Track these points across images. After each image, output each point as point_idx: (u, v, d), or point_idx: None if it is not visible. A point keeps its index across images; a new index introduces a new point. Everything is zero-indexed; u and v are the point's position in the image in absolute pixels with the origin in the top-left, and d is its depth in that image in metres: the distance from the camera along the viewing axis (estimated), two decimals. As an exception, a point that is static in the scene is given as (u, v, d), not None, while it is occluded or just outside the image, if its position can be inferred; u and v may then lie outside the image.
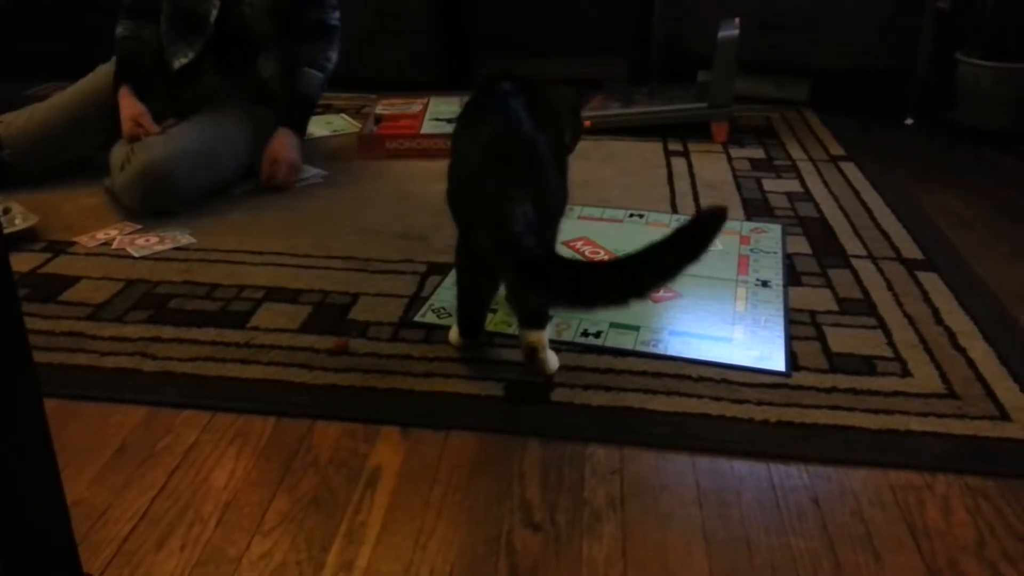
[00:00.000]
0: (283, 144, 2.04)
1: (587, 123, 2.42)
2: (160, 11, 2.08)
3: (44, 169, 2.00)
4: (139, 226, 1.81)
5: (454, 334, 1.38)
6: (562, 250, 1.59)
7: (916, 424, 1.19)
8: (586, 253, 1.70)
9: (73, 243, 1.74)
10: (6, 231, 1.65)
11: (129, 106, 1.96)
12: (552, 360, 1.31)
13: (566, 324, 1.43)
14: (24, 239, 1.72)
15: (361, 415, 1.22)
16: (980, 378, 1.30)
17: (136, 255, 1.69)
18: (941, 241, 1.79)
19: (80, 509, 1.03)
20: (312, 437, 1.18)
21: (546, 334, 1.30)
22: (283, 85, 2.12)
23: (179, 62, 2.05)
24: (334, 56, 2.13)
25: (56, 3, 2.88)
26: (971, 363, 1.33)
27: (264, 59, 2.09)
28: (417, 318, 1.46)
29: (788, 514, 1.04)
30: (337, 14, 2.13)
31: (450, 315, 1.45)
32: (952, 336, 1.41)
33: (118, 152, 1.93)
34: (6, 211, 1.75)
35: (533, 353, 1.27)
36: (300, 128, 2.12)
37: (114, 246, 1.73)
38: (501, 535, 1.00)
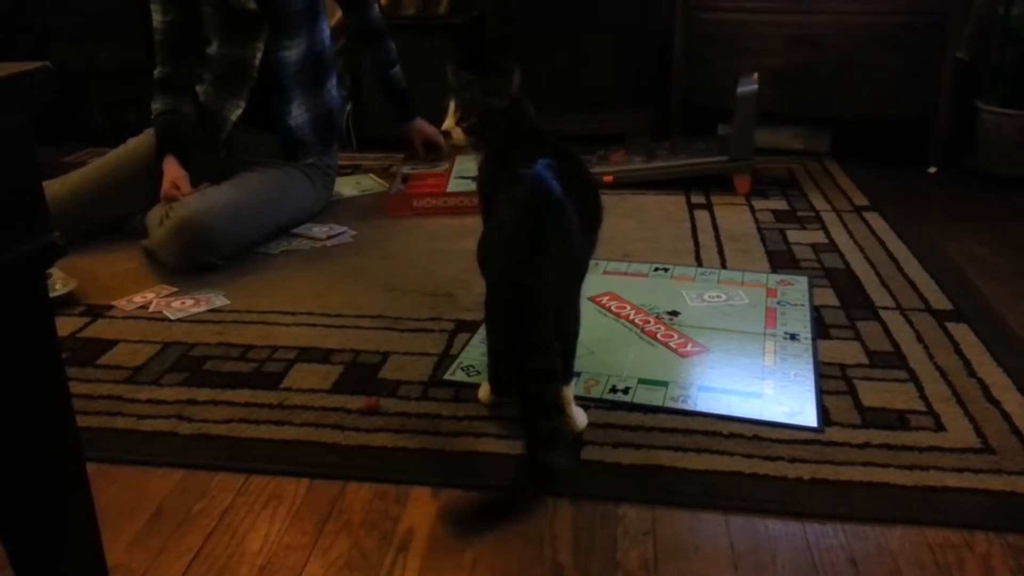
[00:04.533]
0: (425, 125, 2.46)
1: (608, 178, 2.47)
2: (191, 83, 2.18)
3: (80, 232, 2.05)
4: (175, 289, 1.86)
5: (484, 391, 1.39)
6: (587, 305, 1.61)
7: (952, 480, 1.18)
8: (612, 308, 1.71)
9: (111, 307, 1.79)
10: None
11: (172, 170, 2.05)
12: (579, 417, 1.31)
13: (595, 380, 1.44)
14: (64, 304, 1.77)
15: (392, 476, 1.23)
16: (1016, 431, 1.28)
17: (172, 317, 1.73)
18: (970, 291, 1.78)
19: (119, 573, 1.05)
20: (344, 499, 1.18)
21: (571, 390, 1.31)
22: (314, 134, 2.23)
23: (235, 114, 2.16)
24: (393, 46, 2.42)
25: (93, 68, 2.99)
26: (1006, 416, 1.32)
27: (296, 107, 2.19)
28: (446, 376, 1.47)
29: (825, 575, 1.03)
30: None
31: (479, 373, 1.47)
32: (985, 388, 1.40)
33: (156, 212, 2.02)
34: (46, 276, 1.80)
35: None
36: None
37: (151, 309, 1.77)
38: (535, 599, 1.00)
